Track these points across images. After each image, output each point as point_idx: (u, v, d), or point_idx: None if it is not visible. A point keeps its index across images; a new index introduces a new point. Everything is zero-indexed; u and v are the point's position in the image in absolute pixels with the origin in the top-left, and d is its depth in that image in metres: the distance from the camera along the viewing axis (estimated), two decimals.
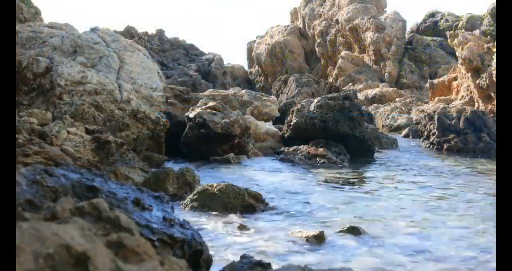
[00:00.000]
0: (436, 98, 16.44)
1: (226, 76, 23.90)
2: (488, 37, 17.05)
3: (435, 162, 9.42)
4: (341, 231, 3.98)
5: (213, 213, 4.61)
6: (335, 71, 23.30)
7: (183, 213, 4.65)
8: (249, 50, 28.75)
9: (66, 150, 4.28)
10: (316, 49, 25.27)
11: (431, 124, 12.13)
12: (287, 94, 17.33)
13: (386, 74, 21.86)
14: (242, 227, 4.08)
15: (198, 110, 8.82)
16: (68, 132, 5.68)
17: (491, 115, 12.59)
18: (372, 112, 14.43)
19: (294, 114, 9.82)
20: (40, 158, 3.23)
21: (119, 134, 6.93)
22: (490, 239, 3.94)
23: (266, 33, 28.34)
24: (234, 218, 4.46)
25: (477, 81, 14.33)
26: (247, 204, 4.80)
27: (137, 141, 7.32)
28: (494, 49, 14.04)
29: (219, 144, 8.54)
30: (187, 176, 5.59)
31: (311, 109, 9.64)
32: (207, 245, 2.51)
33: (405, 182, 7.08)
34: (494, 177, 7.14)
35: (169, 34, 27.05)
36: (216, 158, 8.31)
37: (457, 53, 15.64)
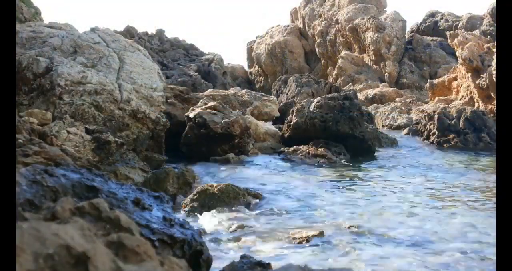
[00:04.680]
0: (436, 98, 16.43)
1: (226, 76, 23.88)
2: (488, 37, 17.04)
3: (435, 160, 9.41)
4: (341, 230, 3.98)
5: (213, 213, 4.61)
6: (335, 71, 23.28)
7: (183, 213, 4.65)
8: (249, 50, 28.74)
9: (66, 150, 4.28)
10: (316, 49, 25.26)
11: (431, 124, 12.13)
12: (287, 94, 17.32)
13: (386, 74, 21.85)
14: (242, 227, 4.07)
15: (198, 110, 8.82)
16: (68, 132, 5.68)
17: (491, 115, 12.58)
18: (372, 112, 14.42)
19: (294, 114, 9.82)
20: (40, 158, 3.23)
21: (119, 134, 6.93)
22: (490, 234, 3.94)
23: (266, 33, 28.32)
24: (234, 218, 4.46)
25: (477, 81, 14.33)
26: (247, 204, 4.80)
27: (137, 141, 7.32)
28: (494, 49, 14.04)
29: (219, 144, 8.54)
30: (187, 176, 5.59)
31: (311, 109, 9.64)
32: (207, 245, 2.51)
33: (405, 181, 7.08)
34: (494, 174, 7.13)
35: (169, 34, 27.02)
36: (216, 158, 8.31)
37: (457, 53, 15.63)
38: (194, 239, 2.35)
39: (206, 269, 2.41)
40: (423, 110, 13.87)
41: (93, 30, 8.27)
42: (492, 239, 3.87)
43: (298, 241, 3.73)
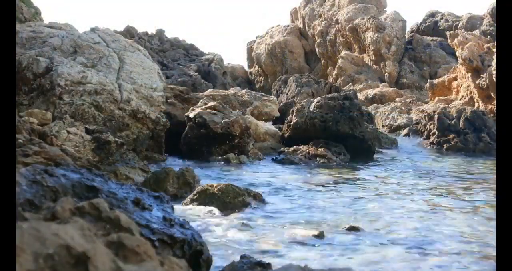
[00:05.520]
0: (436, 98, 16.43)
1: (226, 76, 23.87)
2: (488, 37, 17.04)
3: (435, 162, 9.42)
4: (341, 230, 3.98)
5: (213, 213, 4.60)
6: (335, 71, 23.28)
7: (183, 213, 4.64)
8: (249, 50, 28.71)
9: (66, 150, 4.27)
10: (316, 49, 25.25)
11: (431, 124, 12.13)
12: (287, 94, 17.32)
13: (386, 74, 21.85)
14: (242, 227, 4.08)
15: (198, 110, 8.82)
16: (68, 132, 5.68)
17: (491, 115, 12.58)
18: (372, 112, 14.42)
19: (294, 114, 9.82)
20: (40, 158, 3.23)
21: (119, 134, 6.93)
22: (489, 236, 3.94)
23: (266, 33, 28.30)
24: (234, 218, 4.46)
25: (477, 81, 14.33)
26: (247, 204, 4.81)
27: (137, 141, 7.32)
28: (494, 49, 14.03)
29: (219, 144, 8.54)
30: (187, 176, 5.59)
31: (311, 109, 9.64)
32: (207, 245, 2.51)
33: (404, 181, 7.08)
34: (494, 177, 7.13)
35: (169, 34, 27.00)
36: (216, 158, 8.31)
37: (457, 53, 15.62)
38: (194, 239, 2.35)
39: (206, 269, 2.41)
40: (423, 110, 13.87)
41: (93, 30, 8.27)
42: (492, 240, 3.87)
43: (298, 241, 3.73)
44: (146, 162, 6.68)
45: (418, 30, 24.05)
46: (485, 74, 14.06)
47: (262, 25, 55.79)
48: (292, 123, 9.75)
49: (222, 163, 8.14)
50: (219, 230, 4.00)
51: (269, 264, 2.60)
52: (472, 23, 21.48)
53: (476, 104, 14.47)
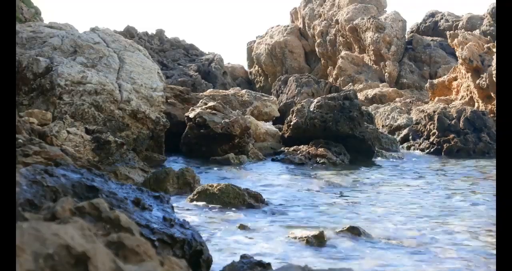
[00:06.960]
0: (436, 98, 16.42)
1: (226, 76, 23.88)
2: (488, 37, 17.03)
3: (436, 163, 9.41)
4: (341, 231, 3.98)
5: (213, 212, 4.60)
6: (335, 71, 23.27)
7: (183, 213, 4.64)
8: (249, 50, 28.70)
9: (66, 150, 4.28)
10: (316, 49, 25.24)
11: (431, 124, 12.12)
12: (287, 94, 17.31)
13: (386, 74, 21.84)
14: (242, 227, 4.08)
15: (198, 110, 8.82)
16: (68, 132, 5.68)
17: (491, 115, 12.57)
18: (372, 112, 14.41)
19: (294, 114, 9.81)
20: (40, 158, 3.23)
21: (119, 134, 6.93)
22: (491, 241, 3.94)
23: (266, 33, 28.28)
24: (234, 218, 4.46)
25: (477, 81, 14.32)
26: (247, 204, 4.81)
27: (137, 141, 7.32)
28: (494, 49, 14.02)
29: (219, 144, 8.54)
30: (187, 176, 5.59)
31: (311, 109, 9.64)
32: (207, 245, 2.51)
33: (405, 182, 7.08)
34: (494, 179, 7.13)
35: (169, 34, 27.00)
36: (216, 158, 8.31)
37: (457, 53, 15.61)
38: (194, 239, 2.35)
39: (206, 269, 2.41)
40: (423, 110, 13.86)
41: (93, 30, 8.27)
42: (494, 243, 3.87)
43: (298, 241, 3.73)
44: (146, 162, 6.69)
45: (418, 30, 24.05)
46: (485, 74, 14.05)
47: (262, 25, 55.85)
48: (292, 123, 9.75)
49: (222, 163, 8.14)
50: (219, 230, 4.01)
51: (269, 264, 2.60)
52: (472, 23, 21.48)
53: (476, 104, 14.47)
